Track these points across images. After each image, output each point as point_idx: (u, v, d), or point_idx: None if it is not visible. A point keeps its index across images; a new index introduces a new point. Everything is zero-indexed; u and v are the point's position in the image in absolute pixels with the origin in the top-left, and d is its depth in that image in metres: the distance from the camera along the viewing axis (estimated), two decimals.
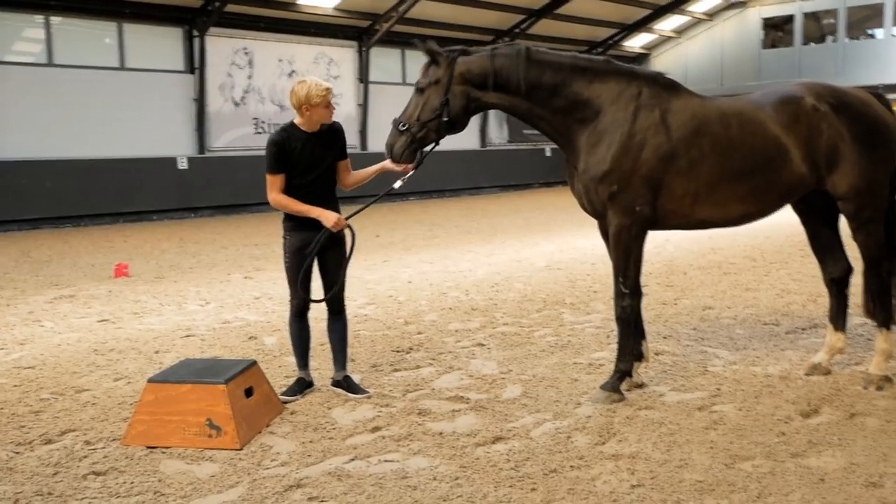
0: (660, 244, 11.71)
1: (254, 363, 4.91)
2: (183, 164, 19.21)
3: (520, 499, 3.70)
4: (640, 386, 5.33)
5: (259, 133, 20.48)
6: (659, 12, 28.27)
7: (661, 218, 5.19)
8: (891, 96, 6.36)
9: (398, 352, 6.40)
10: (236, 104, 20.29)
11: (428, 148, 5.21)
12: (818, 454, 4.16)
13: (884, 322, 5.44)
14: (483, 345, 6.56)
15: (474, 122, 23.64)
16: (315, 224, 5.16)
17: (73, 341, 7.01)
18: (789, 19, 28.15)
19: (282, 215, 5.32)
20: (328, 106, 5.12)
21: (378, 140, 23.54)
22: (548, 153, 28.52)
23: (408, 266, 10.97)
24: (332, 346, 5.48)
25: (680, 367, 5.76)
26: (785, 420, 4.64)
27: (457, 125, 5.15)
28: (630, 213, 5.05)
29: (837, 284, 5.74)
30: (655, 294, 8.35)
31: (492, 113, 23.65)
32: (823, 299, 7.87)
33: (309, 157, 5.14)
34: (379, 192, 5.64)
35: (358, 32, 22.71)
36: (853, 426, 4.55)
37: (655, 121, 5.06)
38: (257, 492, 3.85)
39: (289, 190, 5.15)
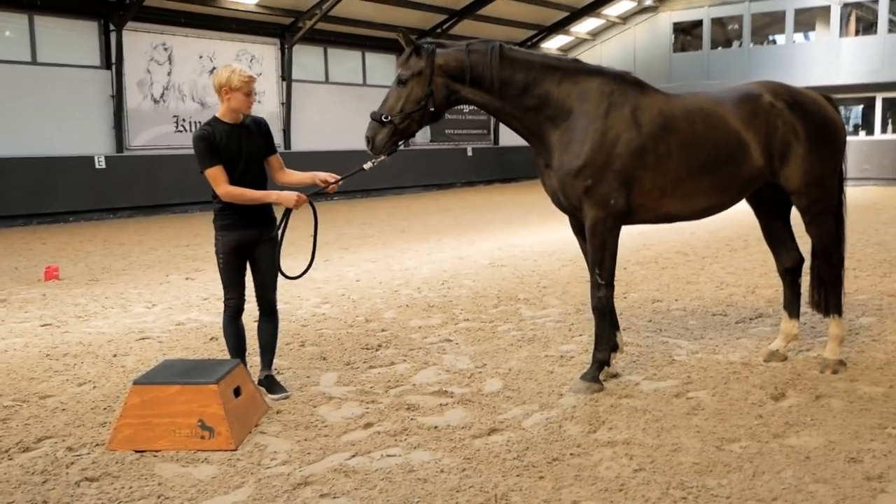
0: None
1: (238, 363, 4.81)
2: (101, 164, 18.47)
3: (530, 487, 3.78)
4: (615, 376, 5.50)
5: (180, 132, 19.89)
6: (575, 15, 28.92)
7: (631, 212, 5.36)
8: None
9: (368, 349, 6.38)
10: (156, 101, 19.65)
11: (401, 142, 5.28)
12: (797, 434, 4.39)
13: (836, 309, 5.77)
14: (450, 340, 6.61)
15: None
16: (253, 221, 5.05)
17: (19, 346, 6.69)
18: (698, 24, 29.23)
19: (212, 214, 5.15)
20: (249, 94, 5.00)
21: (302, 139, 23.24)
22: (469, 153, 28.76)
23: (351, 265, 10.91)
24: (260, 346, 5.34)
25: (647, 357, 5.96)
26: (758, 404, 4.88)
27: (438, 116, 5.22)
28: (605, 206, 5.19)
29: (791, 274, 6.05)
30: None
31: None
32: (761, 290, 8.32)
33: (235, 150, 5.00)
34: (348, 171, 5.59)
35: (280, 29, 22.33)
36: (821, 408, 4.82)
37: (626, 117, 5.23)
38: (266, 491, 3.80)
39: None
